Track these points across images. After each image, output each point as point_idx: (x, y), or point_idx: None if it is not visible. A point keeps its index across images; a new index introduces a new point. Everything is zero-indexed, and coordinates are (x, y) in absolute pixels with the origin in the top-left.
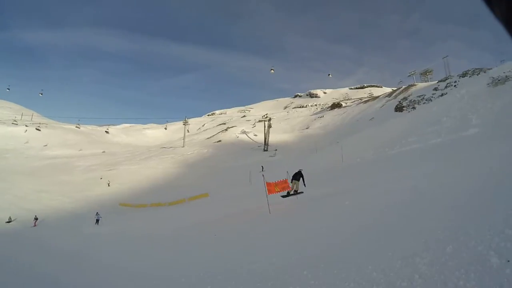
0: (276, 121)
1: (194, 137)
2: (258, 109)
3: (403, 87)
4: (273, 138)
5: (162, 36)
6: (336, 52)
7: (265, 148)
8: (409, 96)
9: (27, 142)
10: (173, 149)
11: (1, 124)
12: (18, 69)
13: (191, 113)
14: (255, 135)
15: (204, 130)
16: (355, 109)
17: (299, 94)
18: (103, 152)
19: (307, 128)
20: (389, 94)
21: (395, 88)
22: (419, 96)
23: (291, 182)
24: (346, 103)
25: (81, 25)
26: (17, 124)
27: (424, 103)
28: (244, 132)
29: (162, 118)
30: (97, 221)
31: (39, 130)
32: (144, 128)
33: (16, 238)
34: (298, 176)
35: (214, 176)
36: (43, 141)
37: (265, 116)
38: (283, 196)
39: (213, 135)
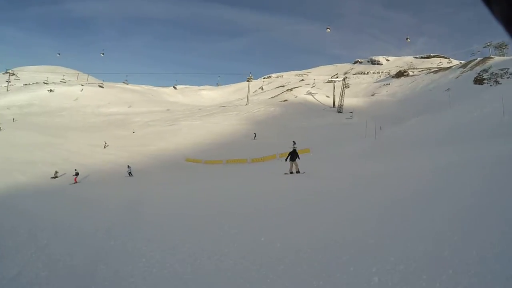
0: (337, 86)
1: (254, 98)
2: (316, 73)
3: (478, 59)
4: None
5: (215, 1)
6: (395, 19)
7: (339, 110)
8: (489, 68)
9: (76, 99)
10: (235, 107)
11: (57, 85)
12: (74, 39)
13: (246, 77)
14: (327, 97)
15: (261, 92)
16: (425, 78)
17: (359, 60)
18: (168, 110)
19: (372, 95)
20: (464, 65)
21: (464, 62)
22: (502, 70)
23: (288, 161)
24: (413, 72)
25: None
26: (65, 83)
27: (508, 77)
28: (310, 93)
29: (223, 74)
30: (130, 173)
31: (102, 87)
32: (199, 89)
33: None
34: (294, 156)
35: (292, 135)
36: (97, 99)
37: (335, 76)
38: (286, 173)
39: (277, 95)
